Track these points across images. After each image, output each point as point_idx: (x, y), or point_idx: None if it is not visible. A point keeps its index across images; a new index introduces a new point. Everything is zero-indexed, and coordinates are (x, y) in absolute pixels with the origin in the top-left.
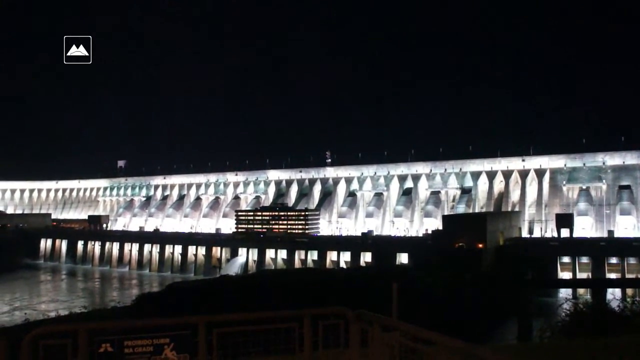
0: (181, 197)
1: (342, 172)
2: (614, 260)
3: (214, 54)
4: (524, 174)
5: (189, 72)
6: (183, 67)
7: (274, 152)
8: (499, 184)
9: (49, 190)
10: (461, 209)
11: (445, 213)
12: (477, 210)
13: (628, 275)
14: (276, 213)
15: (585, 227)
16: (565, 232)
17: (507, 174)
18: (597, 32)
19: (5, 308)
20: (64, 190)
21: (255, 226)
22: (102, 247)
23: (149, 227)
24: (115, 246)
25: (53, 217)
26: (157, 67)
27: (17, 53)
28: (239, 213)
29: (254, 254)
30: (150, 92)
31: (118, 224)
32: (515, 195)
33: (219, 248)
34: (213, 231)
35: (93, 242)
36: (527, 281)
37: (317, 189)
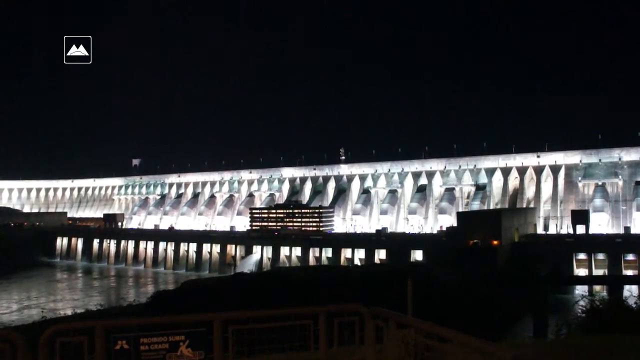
0: (195, 195)
1: (356, 169)
2: (630, 257)
3: (228, 52)
4: (539, 170)
5: (205, 70)
6: (198, 65)
7: (288, 150)
8: (513, 181)
9: (64, 189)
10: (476, 205)
11: (460, 210)
12: (491, 207)
13: None
14: (290, 210)
15: (601, 224)
16: (581, 229)
17: (521, 171)
18: (612, 25)
19: (23, 306)
20: (80, 189)
21: (270, 224)
22: (118, 245)
23: (164, 225)
24: (131, 244)
25: (69, 215)
26: (172, 66)
27: (17, 53)
28: (253, 211)
29: (268, 251)
30: (165, 91)
31: (133, 222)
32: (530, 192)
33: (233, 246)
34: (227, 229)
35: (108, 241)
36: (542, 278)
37: (331, 187)
